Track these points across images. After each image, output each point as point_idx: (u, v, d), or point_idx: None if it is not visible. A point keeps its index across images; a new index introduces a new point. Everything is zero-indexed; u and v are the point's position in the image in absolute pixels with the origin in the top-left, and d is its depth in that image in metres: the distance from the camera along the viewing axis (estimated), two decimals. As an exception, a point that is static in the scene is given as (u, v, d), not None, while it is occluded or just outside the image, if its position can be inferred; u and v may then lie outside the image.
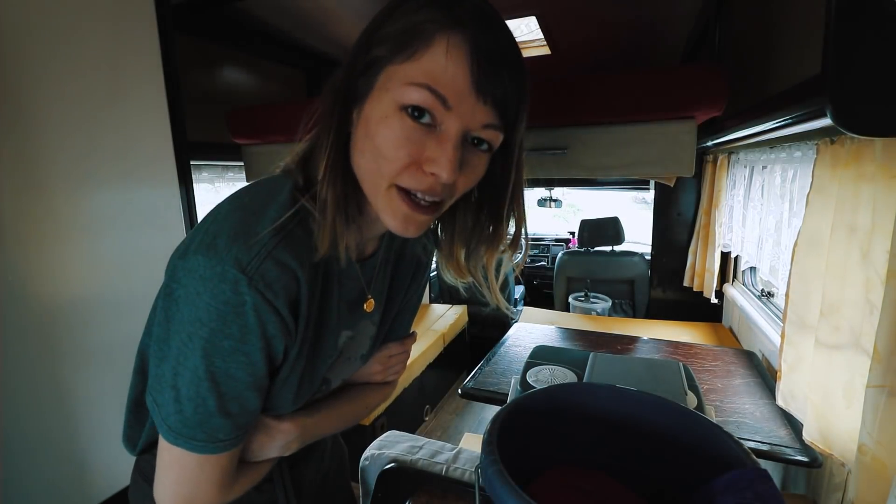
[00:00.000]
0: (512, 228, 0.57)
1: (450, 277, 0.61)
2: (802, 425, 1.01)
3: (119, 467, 1.03)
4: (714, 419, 0.79)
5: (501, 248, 0.57)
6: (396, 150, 0.44)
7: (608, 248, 3.22)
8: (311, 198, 0.49)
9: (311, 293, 0.49)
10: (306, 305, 0.49)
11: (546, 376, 1.23)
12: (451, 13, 0.43)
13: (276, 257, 0.45)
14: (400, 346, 0.72)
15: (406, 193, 0.47)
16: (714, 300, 2.16)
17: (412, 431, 2.01)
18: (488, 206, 0.56)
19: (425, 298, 3.26)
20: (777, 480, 1.35)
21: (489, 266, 0.58)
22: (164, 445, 0.48)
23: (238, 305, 0.43)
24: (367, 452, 0.98)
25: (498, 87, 0.44)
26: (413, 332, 0.76)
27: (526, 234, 0.58)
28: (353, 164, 0.49)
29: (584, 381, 1.15)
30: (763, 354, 1.64)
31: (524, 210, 0.57)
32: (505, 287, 0.61)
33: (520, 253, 0.59)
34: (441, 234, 0.61)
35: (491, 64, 0.43)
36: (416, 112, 0.44)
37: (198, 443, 0.47)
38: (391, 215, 0.48)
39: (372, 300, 0.62)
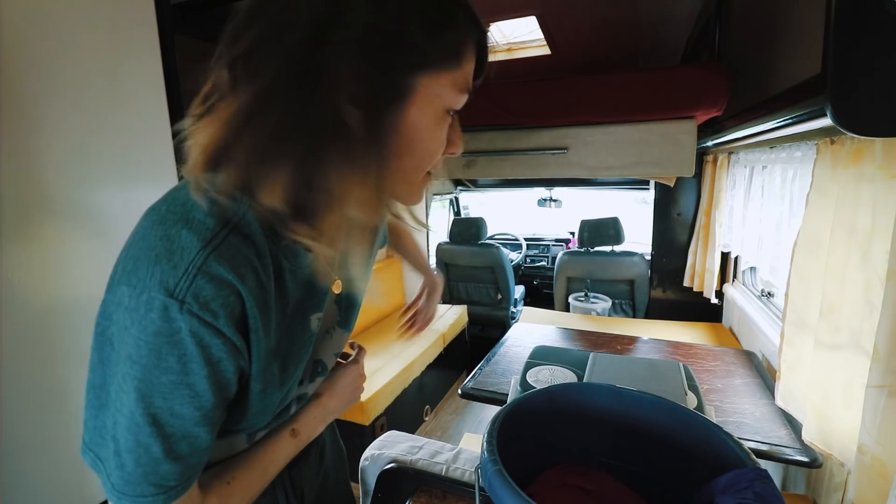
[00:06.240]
0: None
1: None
2: (802, 425, 1.01)
3: (119, 467, 1.03)
4: (714, 419, 0.79)
5: None
6: (441, 146, 0.49)
7: (608, 249, 3.22)
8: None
9: (264, 302, 0.44)
10: (260, 318, 0.44)
11: (546, 376, 1.23)
12: (479, 25, 0.47)
13: (208, 272, 0.39)
14: (355, 368, 0.69)
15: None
16: (714, 300, 2.16)
17: (412, 432, 2.01)
18: None
19: (425, 298, 3.25)
20: (777, 480, 1.35)
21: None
22: None
23: (171, 334, 0.39)
24: (367, 452, 0.98)
25: None
26: (359, 346, 0.73)
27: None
28: None
29: (584, 381, 1.15)
30: (763, 354, 1.64)
31: None
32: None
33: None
34: None
35: None
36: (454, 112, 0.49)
37: (146, 499, 0.41)
38: (420, 195, 0.52)
39: (339, 280, 0.59)
